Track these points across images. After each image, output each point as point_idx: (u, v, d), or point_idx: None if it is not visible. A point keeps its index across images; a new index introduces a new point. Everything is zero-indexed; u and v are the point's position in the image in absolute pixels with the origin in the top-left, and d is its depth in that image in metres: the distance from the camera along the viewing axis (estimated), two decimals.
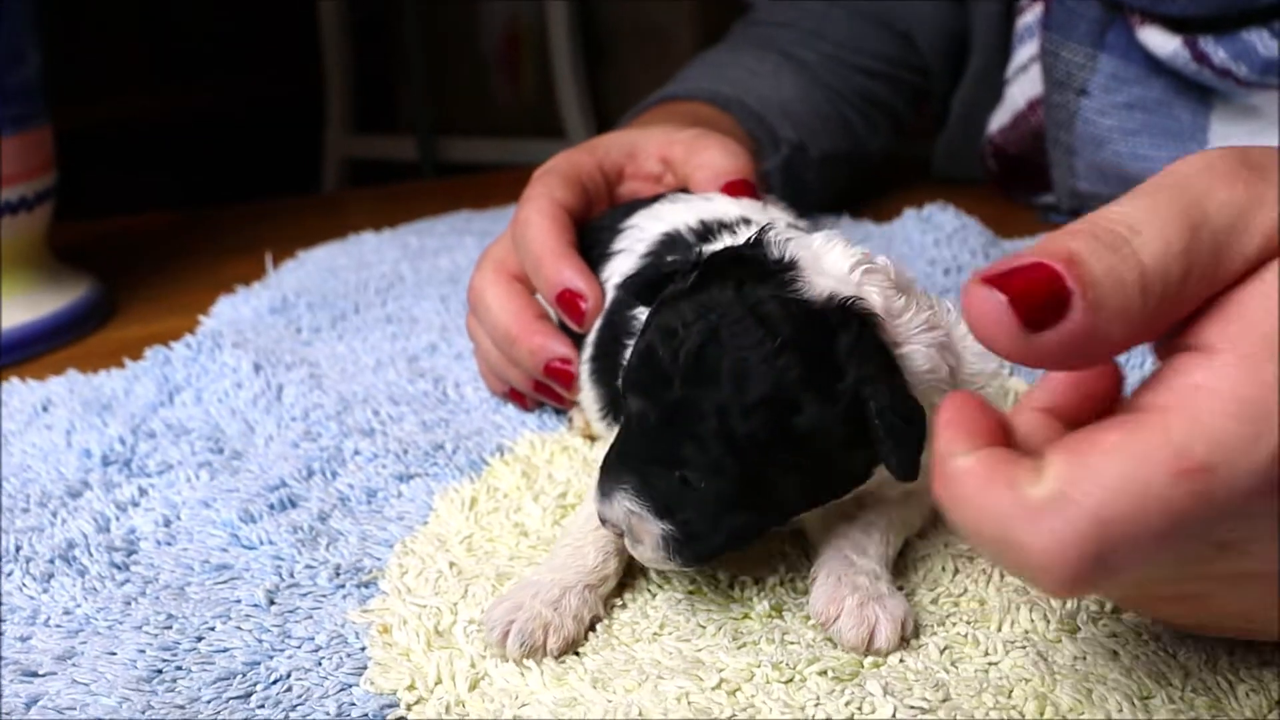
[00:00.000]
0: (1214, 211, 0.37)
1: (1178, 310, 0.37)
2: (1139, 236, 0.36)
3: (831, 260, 0.50)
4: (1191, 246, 0.36)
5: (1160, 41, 0.94)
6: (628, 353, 0.58)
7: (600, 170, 0.75)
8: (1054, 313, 0.35)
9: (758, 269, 0.49)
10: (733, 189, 0.70)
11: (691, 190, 0.72)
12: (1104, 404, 0.42)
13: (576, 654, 0.49)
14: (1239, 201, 0.37)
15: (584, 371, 0.66)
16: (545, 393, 0.70)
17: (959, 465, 0.37)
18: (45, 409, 0.75)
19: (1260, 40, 0.89)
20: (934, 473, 0.38)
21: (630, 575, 0.55)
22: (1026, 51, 1.10)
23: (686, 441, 0.47)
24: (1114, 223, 0.37)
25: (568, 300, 0.66)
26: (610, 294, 0.65)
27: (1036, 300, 0.36)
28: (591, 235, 0.70)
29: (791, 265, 0.49)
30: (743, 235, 0.58)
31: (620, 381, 0.52)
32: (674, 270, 0.53)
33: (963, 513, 0.37)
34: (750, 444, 0.47)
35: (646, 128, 0.83)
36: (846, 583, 0.49)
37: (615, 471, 0.50)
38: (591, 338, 0.65)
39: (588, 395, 0.66)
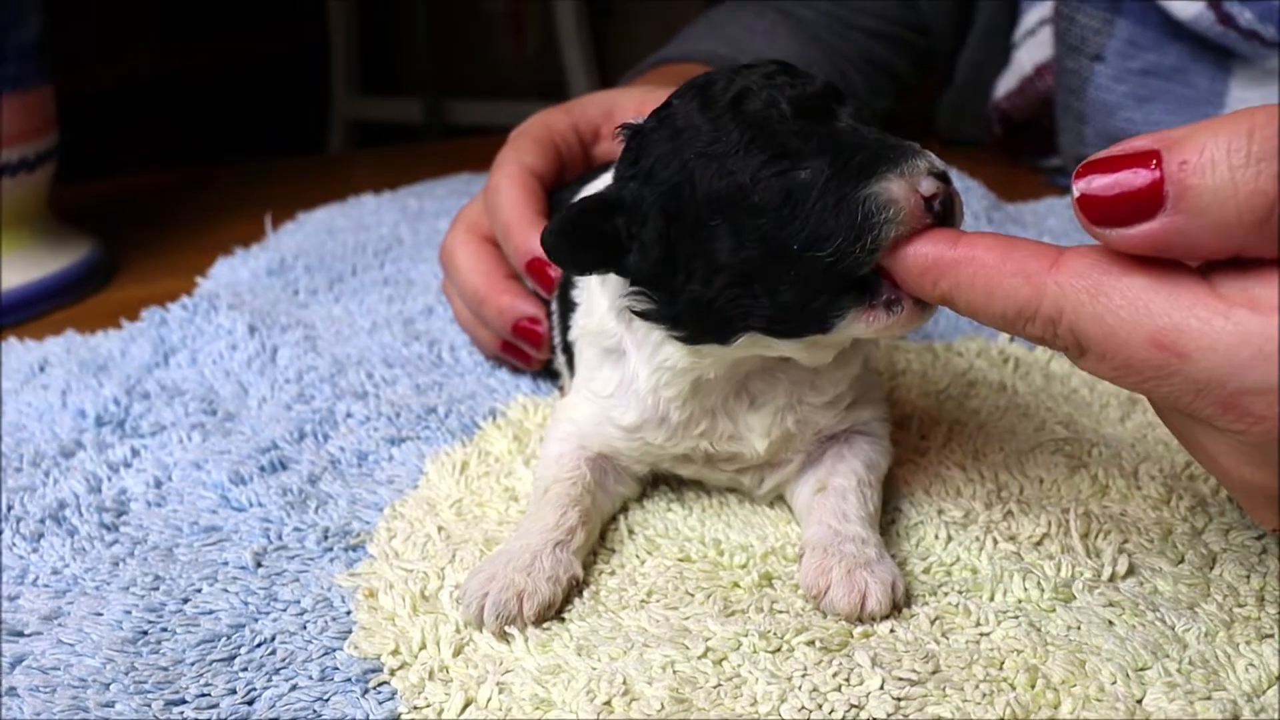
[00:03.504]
0: None
1: None
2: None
3: None
4: None
5: (1182, 4, 0.91)
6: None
7: (575, 130, 0.74)
8: (1134, 217, 0.36)
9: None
10: None
11: None
12: None
13: (561, 620, 0.49)
14: None
15: (558, 349, 0.65)
16: (513, 353, 0.70)
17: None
18: (42, 369, 0.74)
19: None
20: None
21: (618, 542, 0.54)
22: (1034, 15, 1.08)
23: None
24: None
25: (537, 268, 0.65)
26: None
27: (1112, 208, 0.36)
28: (554, 208, 0.69)
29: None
30: None
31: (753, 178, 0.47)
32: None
33: None
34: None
35: (626, 87, 0.82)
36: (833, 552, 0.49)
37: (887, 155, 0.44)
38: (560, 315, 0.65)
39: (566, 367, 0.65)
